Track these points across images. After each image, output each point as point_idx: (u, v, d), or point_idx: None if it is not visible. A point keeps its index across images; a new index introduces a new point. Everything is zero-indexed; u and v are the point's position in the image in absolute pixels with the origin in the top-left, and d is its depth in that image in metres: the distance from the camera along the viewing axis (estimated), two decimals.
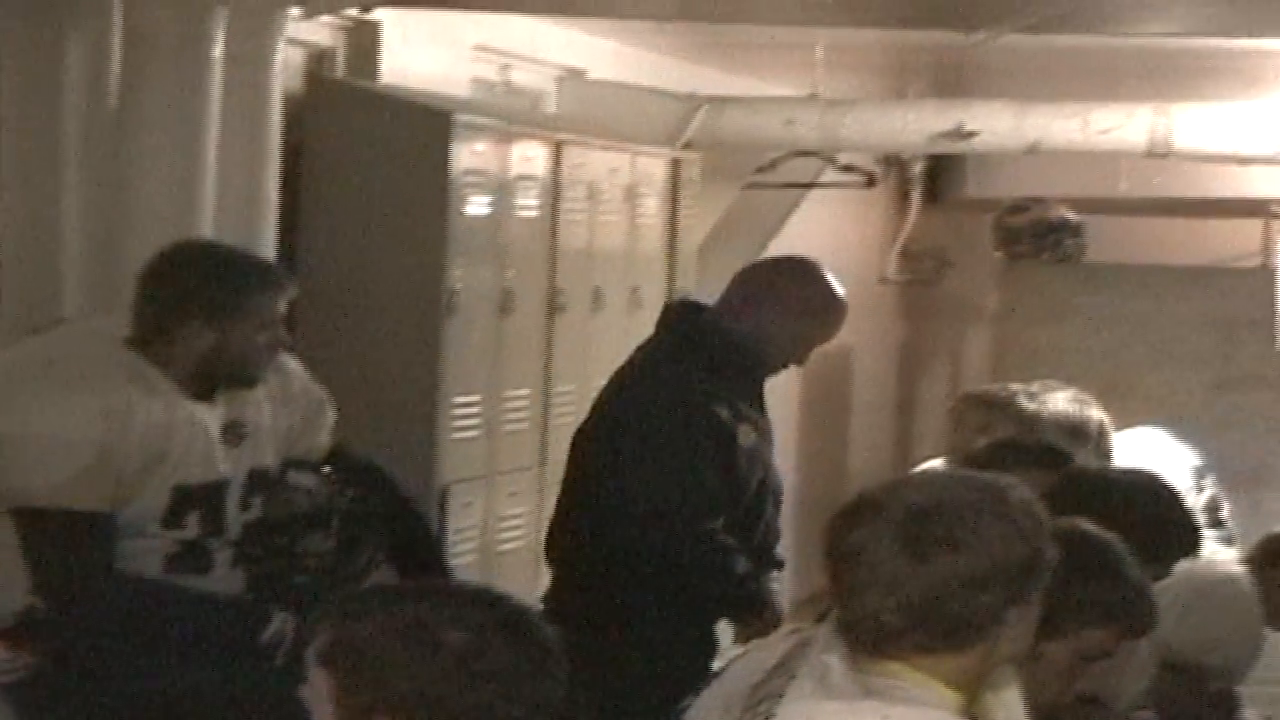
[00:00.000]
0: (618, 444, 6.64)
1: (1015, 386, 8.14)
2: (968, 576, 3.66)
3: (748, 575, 6.70)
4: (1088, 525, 4.25)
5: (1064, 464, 6.38)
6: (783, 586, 7.08)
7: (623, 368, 6.94)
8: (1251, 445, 11.12)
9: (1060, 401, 8.13)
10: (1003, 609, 3.69)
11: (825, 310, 6.83)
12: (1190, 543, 5.85)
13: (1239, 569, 6.78)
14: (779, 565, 7.14)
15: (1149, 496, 5.78)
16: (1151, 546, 5.11)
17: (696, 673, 6.22)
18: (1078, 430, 7.80)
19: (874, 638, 3.68)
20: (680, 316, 6.88)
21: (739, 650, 5.20)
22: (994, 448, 6.64)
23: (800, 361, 6.85)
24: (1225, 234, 13.50)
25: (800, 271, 7.12)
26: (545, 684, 3.45)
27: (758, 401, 6.80)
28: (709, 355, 6.67)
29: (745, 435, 6.62)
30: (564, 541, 6.84)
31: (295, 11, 7.03)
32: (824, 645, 3.85)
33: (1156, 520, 5.55)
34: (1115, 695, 5.29)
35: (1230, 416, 11.27)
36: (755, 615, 6.75)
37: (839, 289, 6.84)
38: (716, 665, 6.11)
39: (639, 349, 6.98)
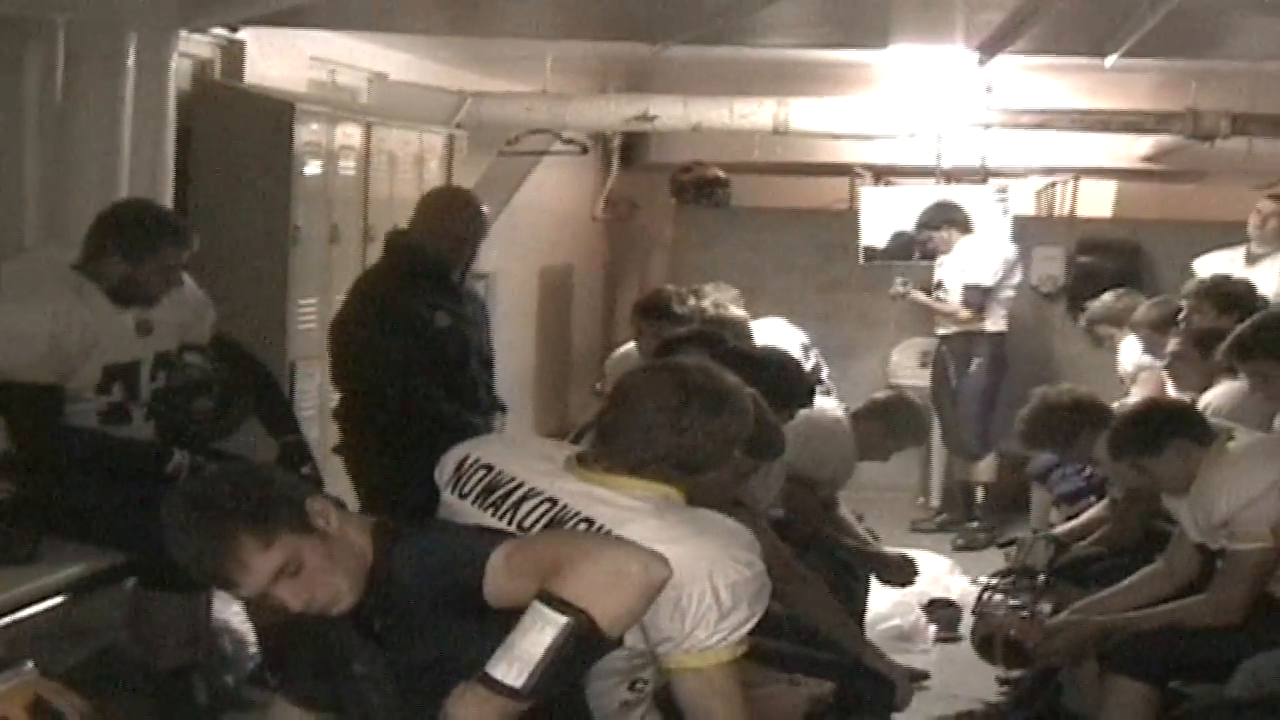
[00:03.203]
0: (348, 334, 6.82)
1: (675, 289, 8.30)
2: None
3: (454, 411, 6.76)
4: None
5: (718, 344, 6.45)
6: (504, 422, 7.19)
7: (360, 276, 7.15)
8: (842, 329, 11.30)
9: (710, 301, 8.27)
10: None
11: (468, 209, 7.00)
12: (806, 395, 5.96)
13: (840, 413, 6.93)
14: (501, 409, 7.24)
15: (778, 364, 5.87)
16: (780, 397, 5.23)
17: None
18: (722, 320, 7.94)
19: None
20: (391, 241, 6.97)
21: None
22: (667, 340, 6.70)
23: (465, 250, 6.94)
24: (825, 187, 13.64)
25: (450, 193, 7.41)
26: None
27: (453, 292, 6.86)
28: (409, 265, 6.73)
29: (440, 319, 6.71)
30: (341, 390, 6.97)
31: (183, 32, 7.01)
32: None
33: (784, 380, 5.63)
34: (757, 500, 5.41)
35: (828, 310, 11.42)
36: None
37: (471, 198, 7.14)
38: None
39: (372, 265, 7.18)
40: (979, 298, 10.37)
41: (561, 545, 3.45)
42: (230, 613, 6.38)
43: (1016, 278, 10.58)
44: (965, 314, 10.41)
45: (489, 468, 3.95)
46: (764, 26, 7.64)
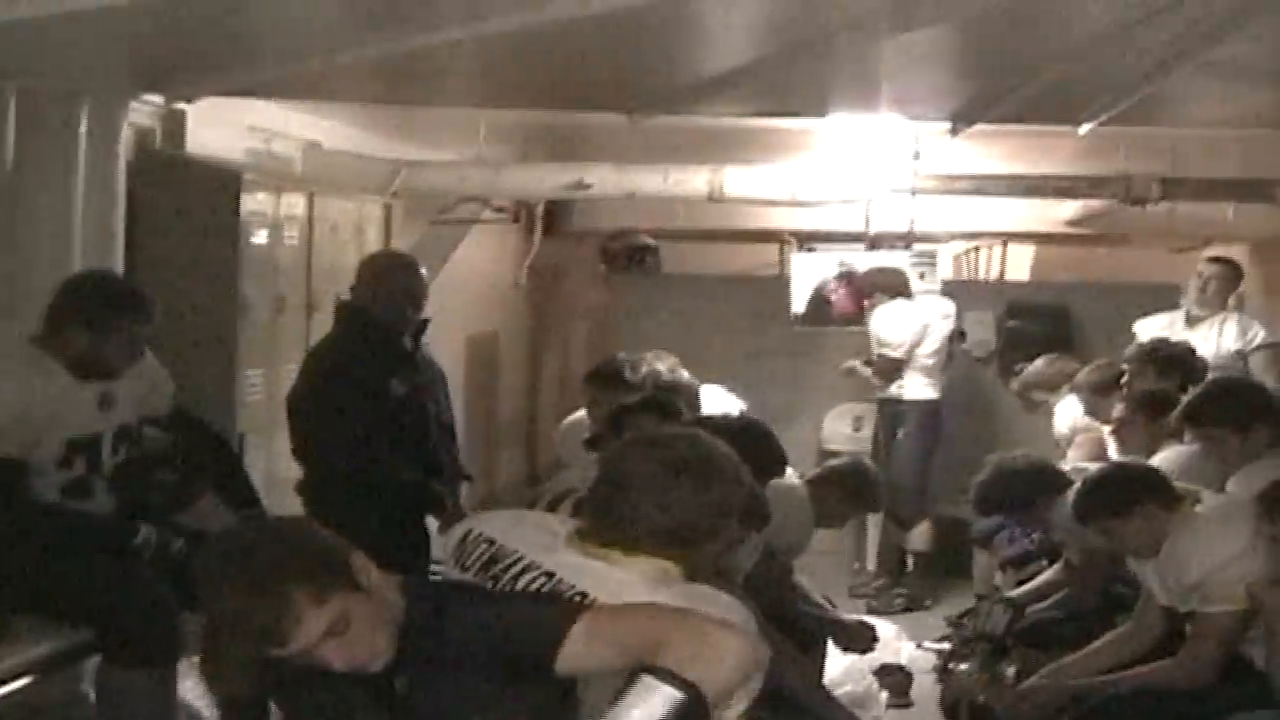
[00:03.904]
0: (305, 408, 6.82)
1: (626, 357, 8.25)
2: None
3: (417, 480, 6.76)
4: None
5: (671, 412, 6.45)
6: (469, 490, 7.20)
7: (313, 348, 7.18)
8: (775, 395, 11.27)
9: (660, 368, 8.25)
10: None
11: (407, 271, 7.03)
12: (780, 464, 5.96)
13: (797, 480, 6.93)
14: (467, 478, 7.23)
15: (756, 432, 5.88)
16: (759, 466, 5.21)
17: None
18: (675, 387, 7.92)
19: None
20: (340, 311, 6.99)
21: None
22: (619, 408, 6.69)
23: (409, 313, 6.94)
24: (755, 253, 13.70)
25: (387, 257, 7.47)
26: None
27: (408, 360, 6.86)
28: (360, 333, 6.74)
29: (398, 386, 6.71)
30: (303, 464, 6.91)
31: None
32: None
33: (762, 448, 5.63)
34: (737, 570, 5.40)
35: (759, 376, 11.37)
36: (440, 509, 6.85)
37: (410, 260, 7.23)
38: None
39: (324, 337, 7.18)
40: (888, 366, 10.45)
41: (658, 618, 3.44)
42: (185, 688, 6.30)
43: (935, 344, 10.62)
44: (877, 382, 10.52)
45: (491, 541, 3.95)
46: (704, 95, 7.65)
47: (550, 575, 3.77)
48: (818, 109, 8.53)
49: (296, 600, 3.31)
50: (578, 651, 3.37)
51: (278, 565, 3.34)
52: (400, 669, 3.46)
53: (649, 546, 3.83)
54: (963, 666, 6.68)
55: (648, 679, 3.23)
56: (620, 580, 3.72)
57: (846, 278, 11.35)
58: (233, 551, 3.42)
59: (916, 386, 10.53)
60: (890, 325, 10.48)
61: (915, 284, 10.92)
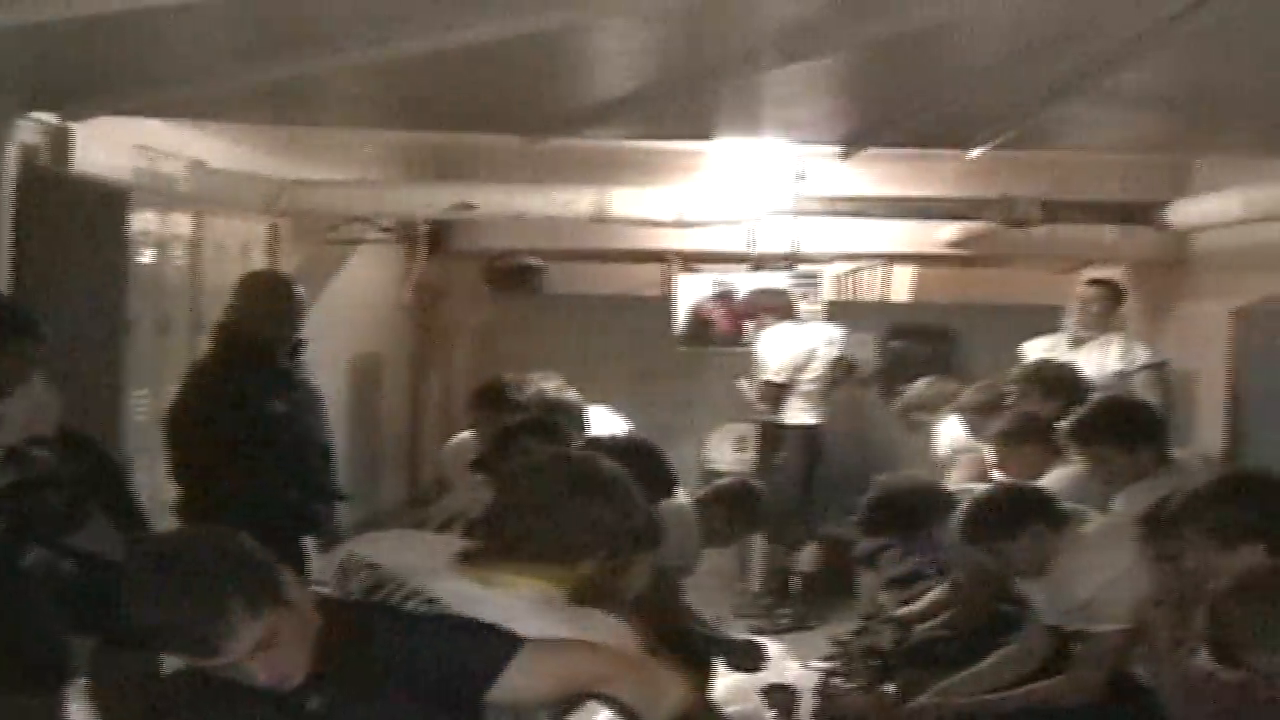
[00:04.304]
0: (183, 427, 6.86)
1: (512, 377, 8.24)
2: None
3: (297, 499, 6.76)
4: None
5: (557, 433, 6.46)
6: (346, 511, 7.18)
7: (190, 368, 7.21)
8: (658, 415, 11.28)
9: (547, 388, 8.24)
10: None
11: (282, 291, 7.10)
12: (671, 485, 5.99)
13: (685, 500, 6.96)
14: (344, 497, 7.23)
15: (647, 453, 5.90)
16: (651, 487, 5.23)
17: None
18: (561, 406, 7.91)
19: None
20: (217, 331, 7.02)
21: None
22: (505, 429, 6.69)
23: (286, 332, 6.97)
24: (640, 273, 13.72)
25: (263, 277, 7.49)
26: None
27: (285, 379, 6.84)
28: (237, 353, 6.76)
29: (276, 406, 6.72)
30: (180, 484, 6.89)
31: None
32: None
33: (653, 469, 5.66)
34: (627, 591, 5.39)
35: (643, 396, 11.40)
36: (319, 529, 6.86)
37: (286, 279, 7.31)
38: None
39: (201, 357, 7.26)
40: (771, 392, 10.53)
41: (600, 654, 3.52)
42: (72, 712, 6.24)
43: (818, 370, 10.71)
44: (761, 406, 10.60)
45: (374, 566, 3.94)
46: (590, 118, 7.68)
47: (433, 601, 3.78)
48: (705, 133, 8.59)
49: (233, 611, 3.29)
50: (515, 683, 3.41)
51: (215, 575, 3.32)
52: (315, 688, 3.46)
53: (542, 567, 3.85)
54: (848, 685, 6.71)
55: (593, 704, 3.29)
56: (504, 605, 3.73)
57: (723, 298, 11.41)
58: (167, 560, 3.39)
59: (795, 412, 10.62)
60: (774, 350, 10.55)
61: (800, 306, 11.02)
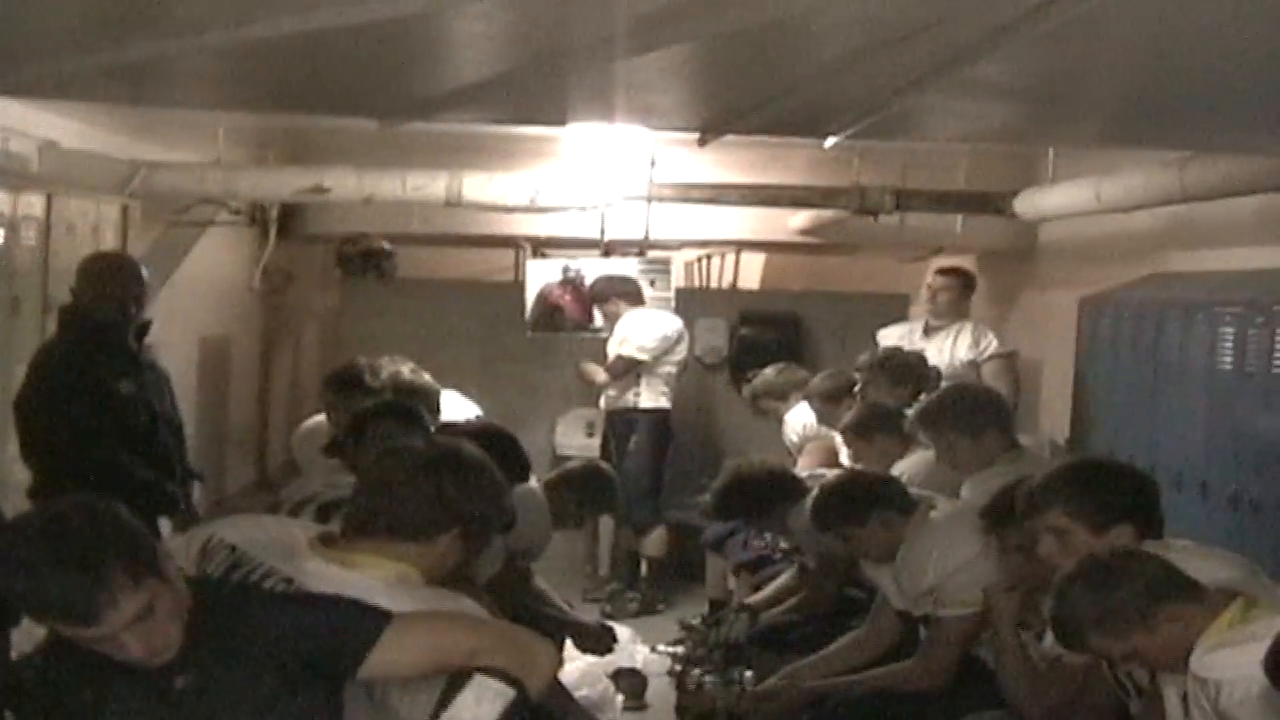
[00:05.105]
0: (33, 410, 6.86)
1: (367, 361, 8.21)
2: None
3: (151, 479, 6.74)
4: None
5: (412, 417, 6.45)
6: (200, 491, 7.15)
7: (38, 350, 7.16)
8: (508, 400, 11.31)
9: (402, 371, 8.22)
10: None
11: (125, 271, 7.15)
12: (525, 470, 6.03)
13: (534, 484, 6.98)
14: (198, 477, 7.21)
15: (501, 438, 5.94)
16: (506, 472, 5.26)
17: None
18: (416, 389, 7.91)
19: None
20: (63, 313, 7.03)
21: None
22: (359, 413, 6.66)
23: (131, 313, 6.99)
24: (492, 258, 13.72)
25: (106, 258, 7.46)
26: None
27: (133, 360, 6.85)
28: (83, 334, 6.75)
29: (125, 386, 6.71)
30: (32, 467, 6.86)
31: None
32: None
33: (508, 454, 5.69)
34: (479, 574, 5.45)
35: (493, 381, 11.41)
36: (173, 509, 6.84)
37: (130, 260, 7.39)
38: None
39: (48, 339, 7.23)
40: (622, 367, 10.59)
41: (470, 626, 3.57)
42: None
43: (679, 354, 10.79)
44: (603, 378, 10.65)
45: (232, 548, 3.96)
46: (445, 103, 7.64)
47: (289, 581, 3.82)
48: (560, 119, 8.59)
49: (115, 579, 3.30)
50: (388, 658, 3.45)
51: (97, 543, 3.32)
52: (183, 665, 3.46)
53: (398, 547, 3.89)
54: (706, 677, 6.79)
55: (481, 678, 3.35)
56: (362, 586, 3.77)
57: (570, 284, 11.45)
58: (49, 528, 3.37)
59: (651, 395, 10.68)
60: (642, 330, 10.61)
61: (647, 291, 11.08)
